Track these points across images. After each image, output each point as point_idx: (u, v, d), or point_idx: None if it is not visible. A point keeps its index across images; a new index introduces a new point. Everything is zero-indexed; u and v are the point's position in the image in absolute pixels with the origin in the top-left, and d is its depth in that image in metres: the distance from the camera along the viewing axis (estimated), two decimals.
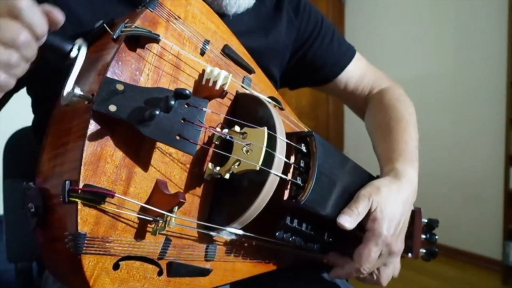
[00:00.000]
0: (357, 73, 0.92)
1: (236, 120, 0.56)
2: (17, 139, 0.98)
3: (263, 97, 0.61)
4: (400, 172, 0.71)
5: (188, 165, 0.54)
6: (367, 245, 0.64)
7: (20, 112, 1.07)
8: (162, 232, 0.48)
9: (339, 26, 3.37)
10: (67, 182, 0.43)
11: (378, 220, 0.64)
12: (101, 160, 0.45)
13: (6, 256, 0.95)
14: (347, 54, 0.91)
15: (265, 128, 0.54)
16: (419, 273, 2.41)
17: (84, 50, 0.50)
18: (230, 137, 0.55)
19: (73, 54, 0.50)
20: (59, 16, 0.46)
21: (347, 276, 0.69)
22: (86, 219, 0.44)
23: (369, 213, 0.64)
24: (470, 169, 2.74)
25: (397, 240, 0.67)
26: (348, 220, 0.62)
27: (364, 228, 0.66)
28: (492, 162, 2.61)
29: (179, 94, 0.46)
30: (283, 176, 0.55)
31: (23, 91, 0.72)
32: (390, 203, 0.65)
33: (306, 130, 0.71)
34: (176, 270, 0.53)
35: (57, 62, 0.50)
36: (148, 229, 0.49)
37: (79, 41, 0.51)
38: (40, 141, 0.53)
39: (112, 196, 0.45)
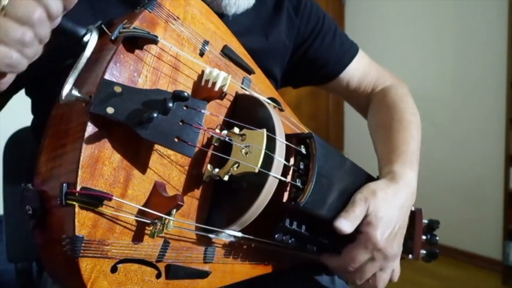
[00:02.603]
0: (359, 71, 0.91)
1: (235, 122, 0.56)
2: (17, 139, 0.98)
3: (263, 98, 0.61)
4: (397, 174, 0.70)
5: (186, 167, 0.54)
6: (357, 247, 0.64)
7: (20, 112, 1.07)
8: (160, 234, 0.47)
9: (339, 26, 3.36)
10: (64, 184, 0.43)
11: (372, 224, 0.63)
12: (98, 162, 0.45)
13: (6, 256, 0.95)
14: (349, 52, 0.90)
15: (264, 130, 0.54)
16: (419, 273, 2.41)
17: (95, 37, 0.49)
18: (229, 139, 0.54)
19: (86, 38, 0.48)
20: None
21: (334, 268, 0.68)
22: (83, 222, 0.43)
23: (364, 217, 0.63)
24: (470, 169, 2.74)
25: (392, 244, 0.65)
26: (346, 224, 0.61)
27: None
28: (492, 162, 2.61)
29: (178, 96, 0.46)
30: (282, 178, 0.54)
31: (23, 91, 0.72)
32: (385, 207, 0.64)
33: (306, 131, 0.71)
34: (174, 272, 0.53)
35: (70, 48, 0.48)
36: (146, 231, 0.49)
37: (91, 27, 0.49)
38: (39, 142, 0.52)
39: (110, 199, 0.44)
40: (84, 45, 0.48)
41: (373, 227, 0.63)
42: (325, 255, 0.68)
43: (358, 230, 0.65)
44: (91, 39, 0.48)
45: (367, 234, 0.63)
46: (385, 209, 0.64)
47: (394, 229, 0.66)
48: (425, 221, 0.84)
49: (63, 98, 0.45)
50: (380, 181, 0.69)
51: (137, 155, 0.48)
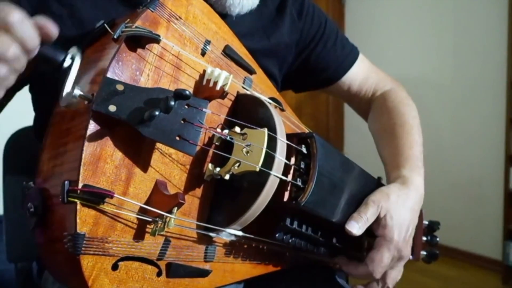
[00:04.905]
0: (360, 75, 0.92)
1: (236, 121, 0.56)
2: (17, 139, 0.98)
3: (264, 98, 0.61)
4: (407, 179, 0.72)
5: (188, 166, 0.54)
6: (380, 251, 0.66)
7: (20, 112, 1.07)
8: (161, 233, 0.48)
9: (339, 26, 3.36)
10: (66, 182, 0.43)
11: (388, 226, 0.65)
12: (100, 160, 0.45)
13: (6, 256, 0.95)
14: (350, 56, 0.91)
15: (265, 129, 0.54)
16: (419, 273, 2.41)
17: (78, 60, 0.50)
18: (230, 138, 0.55)
19: (66, 64, 0.49)
20: (53, 29, 0.46)
21: (359, 276, 0.70)
22: (85, 219, 0.44)
23: (378, 219, 0.65)
24: (470, 169, 2.74)
25: (407, 245, 0.68)
26: (356, 227, 0.63)
27: (371, 233, 0.67)
28: (492, 162, 2.61)
29: (179, 94, 0.46)
30: (283, 178, 0.54)
31: (23, 91, 0.72)
32: (399, 210, 0.66)
33: (306, 131, 0.71)
34: (175, 270, 0.53)
35: (51, 73, 0.50)
36: (147, 229, 0.49)
37: (72, 50, 0.51)
38: (40, 139, 0.52)
39: (111, 197, 0.44)
40: (65, 71, 0.49)
41: (389, 228, 0.65)
42: (351, 266, 0.70)
43: (374, 235, 0.66)
44: (74, 63, 0.50)
45: (386, 236, 0.65)
46: (398, 212, 0.66)
47: (408, 230, 0.68)
48: (425, 222, 0.84)
49: (63, 99, 0.46)
50: (392, 185, 0.71)
51: (138, 153, 0.49)
